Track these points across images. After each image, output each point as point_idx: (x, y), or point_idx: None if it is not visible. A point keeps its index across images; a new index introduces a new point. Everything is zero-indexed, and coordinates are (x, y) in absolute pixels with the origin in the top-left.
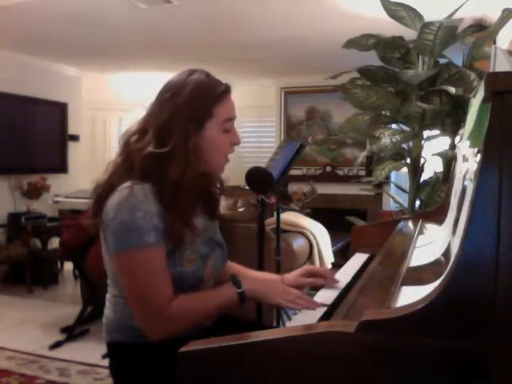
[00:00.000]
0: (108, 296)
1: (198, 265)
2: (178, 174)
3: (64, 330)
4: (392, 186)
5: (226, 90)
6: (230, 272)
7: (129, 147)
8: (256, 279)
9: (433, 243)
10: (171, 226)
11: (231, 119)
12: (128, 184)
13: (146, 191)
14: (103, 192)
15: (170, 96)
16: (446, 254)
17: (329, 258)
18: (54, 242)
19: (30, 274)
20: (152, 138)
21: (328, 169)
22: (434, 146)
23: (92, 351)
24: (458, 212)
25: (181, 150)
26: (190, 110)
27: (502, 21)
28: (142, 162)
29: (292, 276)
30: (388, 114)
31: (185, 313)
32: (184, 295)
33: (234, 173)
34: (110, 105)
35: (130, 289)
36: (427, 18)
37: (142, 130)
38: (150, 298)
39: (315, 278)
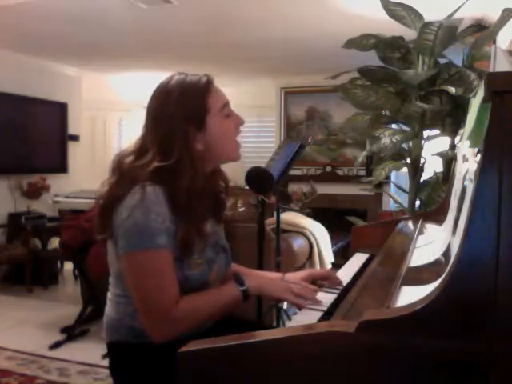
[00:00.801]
0: (109, 295)
1: (205, 269)
2: (188, 183)
3: (64, 329)
4: (392, 186)
5: (209, 80)
6: (233, 271)
7: (123, 166)
8: (258, 276)
9: (433, 243)
10: (185, 235)
11: (227, 104)
12: (139, 186)
13: (157, 193)
14: (108, 201)
15: (159, 110)
16: (446, 253)
17: (329, 258)
18: (54, 242)
19: (29, 274)
20: (155, 154)
21: (328, 169)
22: (433, 146)
23: (92, 351)
24: (458, 212)
25: (186, 158)
26: (184, 114)
27: (502, 21)
28: (149, 177)
29: (294, 277)
30: (388, 113)
31: (190, 314)
32: (189, 296)
33: (234, 173)
34: (110, 105)
35: (137, 290)
36: (427, 18)
37: (141, 149)
38: (157, 300)
39: (317, 287)
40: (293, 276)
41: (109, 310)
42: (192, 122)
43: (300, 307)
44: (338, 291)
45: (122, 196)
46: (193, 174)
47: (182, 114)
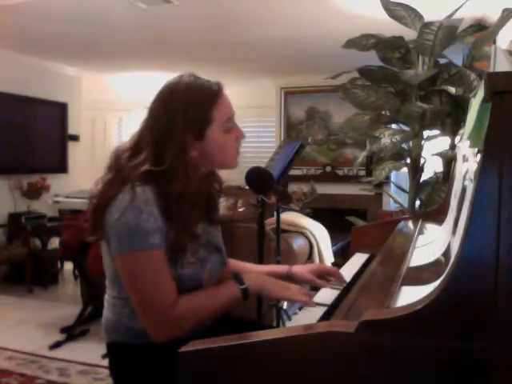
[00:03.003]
0: (106, 297)
1: (198, 268)
2: (180, 190)
3: (64, 329)
4: (392, 186)
5: (219, 89)
6: (233, 269)
7: (119, 163)
8: (256, 274)
9: (433, 243)
10: (176, 238)
11: (231, 117)
12: (129, 186)
13: (146, 193)
14: (100, 202)
15: (161, 109)
16: (446, 253)
17: (329, 258)
18: (54, 242)
19: (29, 274)
20: (148, 156)
21: (328, 169)
22: (433, 146)
23: (92, 351)
24: (458, 212)
25: (179, 165)
26: (186, 121)
27: (502, 21)
28: (140, 178)
29: (301, 270)
30: (388, 113)
31: (190, 314)
32: (188, 295)
33: (234, 173)
34: (110, 105)
35: (135, 291)
36: (427, 18)
37: (136, 146)
38: (155, 300)
39: (324, 281)
40: (301, 268)
41: (106, 311)
42: (191, 130)
43: (303, 304)
44: (338, 291)
45: (114, 196)
46: (185, 181)
47: (184, 120)
